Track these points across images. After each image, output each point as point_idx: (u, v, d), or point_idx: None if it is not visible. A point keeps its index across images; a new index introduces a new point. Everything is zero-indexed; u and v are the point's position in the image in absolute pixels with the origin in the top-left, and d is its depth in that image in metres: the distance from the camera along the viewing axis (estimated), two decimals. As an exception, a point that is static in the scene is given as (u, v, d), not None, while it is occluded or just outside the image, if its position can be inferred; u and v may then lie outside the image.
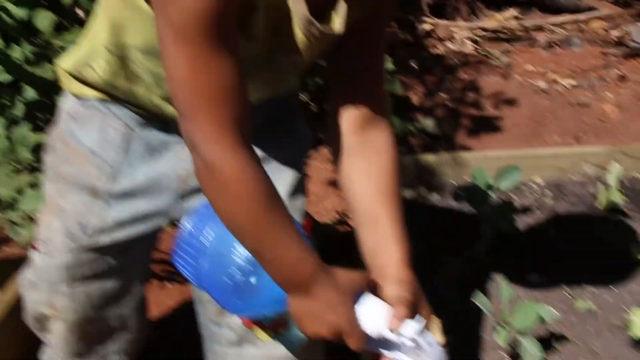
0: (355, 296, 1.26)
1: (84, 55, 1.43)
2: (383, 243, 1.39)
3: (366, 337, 1.27)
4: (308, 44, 1.36)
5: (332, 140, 1.48)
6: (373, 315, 1.26)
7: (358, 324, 1.24)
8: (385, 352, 1.30)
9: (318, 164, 2.94)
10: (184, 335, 2.20)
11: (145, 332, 1.78)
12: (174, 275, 2.39)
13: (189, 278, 1.38)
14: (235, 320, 1.54)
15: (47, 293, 1.47)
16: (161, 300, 2.34)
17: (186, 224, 1.35)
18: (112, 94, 1.42)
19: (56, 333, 1.52)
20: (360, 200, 1.43)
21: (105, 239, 1.44)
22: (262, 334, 1.51)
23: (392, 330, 1.24)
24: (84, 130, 1.48)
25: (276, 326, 1.50)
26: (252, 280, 1.29)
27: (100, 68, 1.39)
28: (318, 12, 1.30)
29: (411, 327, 1.24)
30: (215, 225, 1.29)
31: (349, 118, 1.44)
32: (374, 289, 1.30)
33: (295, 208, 1.59)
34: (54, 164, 1.54)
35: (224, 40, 1.15)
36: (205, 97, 1.16)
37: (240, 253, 1.29)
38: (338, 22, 1.33)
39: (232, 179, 1.15)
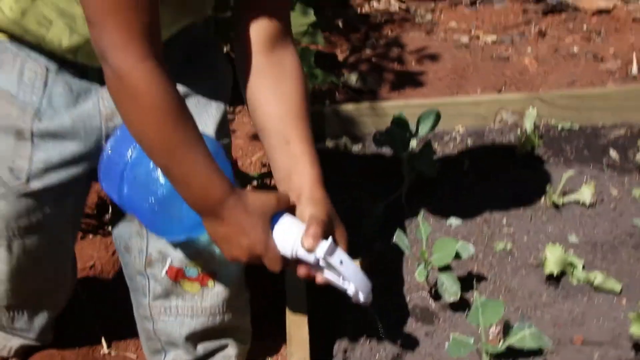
0: (271, 218, 1.31)
1: None
2: (295, 164, 1.43)
3: (284, 258, 1.33)
4: None
5: (240, 61, 1.49)
6: (288, 235, 1.32)
7: (273, 246, 1.30)
8: (304, 269, 1.37)
9: (242, 118, 2.93)
10: (110, 288, 2.19)
11: (73, 286, 1.79)
12: (97, 229, 2.37)
13: (115, 199, 1.44)
14: (162, 272, 1.55)
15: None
16: (86, 253, 2.29)
17: (107, 147, 1.40)
18: (22, 38, 1.40)
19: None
20: (271, 122, 1.46)
21: (37, 184, 1.42)
22: (189, 286, 1.56)
23: (306, 250, 1.30)
24: (0, 73, 1.44)
25: (203, 279, 1.55)
26: (174, 200, 1.32)
27: (7, 7, 1.35)
28: None
29: (322, 247, 1.30)
30: (135, 148, 1.33)
31: (257, 38, 1.45)
32: (291, 209, 1.35)
33: (223, 145, 1.59)
34: None
35: None
36: (114, 2, 1.13)
37: (155, 175, 1.35)
38: None
39: (141, 89, 1.15)
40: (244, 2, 1.50)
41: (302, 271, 1.36)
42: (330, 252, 1.31)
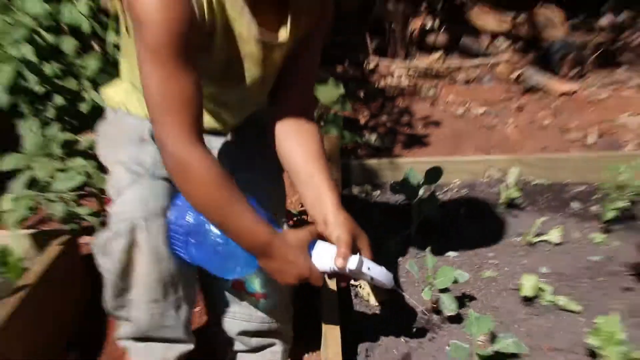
0: (308, 247, 1.38)
1: (114, 84, 1.63)
2: (319, 193, 1.48)
3: (324, 273, 1.41)
4: (262, 56, 1.42)
5: (272, 127, 1.56)
6: (324, 259, 1.39)
7: (315, 268, 1.38)
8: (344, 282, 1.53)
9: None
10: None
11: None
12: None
13: (182, 257, 1.43)
14: (229, 283, 1.59)
15: (128, 233, 1.38)
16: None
17: (169, 216, 1.41)
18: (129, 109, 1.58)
19: (140, 271, 1.43)
20: (299, 164, 1.53)
21: (161, 171, 1.43)
22: (247, 298, 1.59)
23: (339, 268, 1.38)
24: (125, 116, 1.59)
25: (258, 295, 1.58)
26: (231, 244, 1.36)
27: (122, 92, 1.60)
28: (268, 28, 1.39)
29: (352, 262, 1.38)
30: (193, 211, 1.37)
31: (287, 112, 1.54)
32: (321, 235, 1.41)
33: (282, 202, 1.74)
34: (107, 138, 1.62)
35: (186, 60, 1.22)
36: (170, 105, 1.23)
37: (214, 232, 1.38)
38: (284, 33, 1.40)
39: (194, 168, 1.24)
40: (279, 89, 1.59)
41: (343, 284, 1.53)
42: (359, 265, 1.39)
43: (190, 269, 1.53)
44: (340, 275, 1.45)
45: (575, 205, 2.49)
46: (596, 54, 4.31)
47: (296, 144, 1.54)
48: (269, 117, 1.58)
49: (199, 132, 1.28)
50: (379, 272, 1.46)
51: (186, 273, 1.52)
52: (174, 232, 1.40)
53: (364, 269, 1.41)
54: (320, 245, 1.41)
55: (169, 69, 1.21)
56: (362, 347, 1.74)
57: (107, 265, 1.44)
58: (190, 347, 1.64)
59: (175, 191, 1.40)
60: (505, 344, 1.59)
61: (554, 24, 4.58)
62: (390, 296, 1.86)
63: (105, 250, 1.42)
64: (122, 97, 1.64)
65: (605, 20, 4.83)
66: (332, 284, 1.80)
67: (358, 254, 1.41)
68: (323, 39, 1.57)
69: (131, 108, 1.62)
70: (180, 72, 1.22)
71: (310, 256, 1.38)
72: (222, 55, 1.39)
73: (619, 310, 1.83)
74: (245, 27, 1.35)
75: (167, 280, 1.47)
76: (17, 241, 1.90)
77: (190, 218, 1.38)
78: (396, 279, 2.02)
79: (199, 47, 1.31)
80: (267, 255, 1.35)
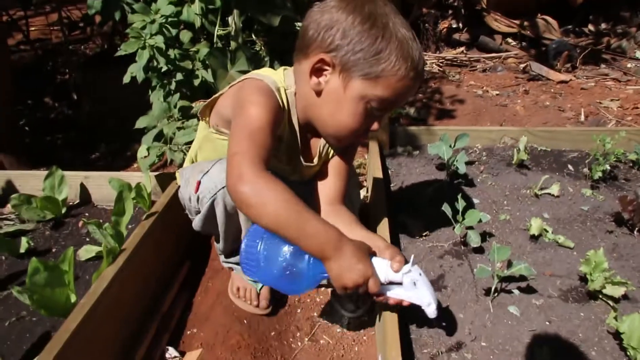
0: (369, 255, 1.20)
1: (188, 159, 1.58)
2: (365, 235, 1.33)
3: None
4: (306, 167, 1.44)
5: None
6: (380, 266, 1.20)
7: (375, 272, 1.17)
8: (390, 293, 1.24)
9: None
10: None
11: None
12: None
13: (256, 279, 1.25)
14: None
15: (212, 195, 1.38)
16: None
17: (243, 243, 1.23)
18: None
19: (221, 213, 1.42)
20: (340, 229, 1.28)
21: None
22: None
23: (394, 270, 1.20)
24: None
25: None
26: (298, 266, 1.19)
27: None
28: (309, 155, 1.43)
29: (407, 266, 1.21)
30: (262, 240, 1.21)
31: (323, 199, 1.47)
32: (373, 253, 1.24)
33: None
34: (193, 173, 1.49)
35: (272, 132, 1.20)
36: (254, 146, 1.16)
37: (285, 251, 1.19)
38: (316, 161, 1.44)
39: (267, 191, 1.09)
40: (320, 182, 1.49)
41: (391, 301, 1.25)
42: (412, 270, 1.22)
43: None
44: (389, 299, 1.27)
45: (570, 167, 2.41)
46: (584, 53, 4.20)
47: (333, 219, 1.29)
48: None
49: (267, 163, 1.17)
50: (427, 284, 1.25)
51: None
52: (246, 257, 1.22)
53: (415, 275, 1.23)
54: (375, 260, 1.21)
55: (260, 127, 1.19)
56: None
57: (202, 215, 1.46)
58: None
59: None
60: (519, 269, 1.55)
61: (551, 29, 4.49)
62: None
63: (201, 205, 1.44)
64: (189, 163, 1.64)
65: (590, 28, 4.76)
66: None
67: (410, 263, 1.23)
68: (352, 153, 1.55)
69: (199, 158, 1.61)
70: (265, 133, 1.19)
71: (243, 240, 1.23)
72: (284, 154, 1.43)
73: (603, 246, 1.81)
74: (297, 145, 1.40)
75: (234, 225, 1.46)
76: (148, 180, 1.91)
77: (261, 245, 1.20)
78: (433, 219, 1.95)
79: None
80: (338, 253, 1.13)
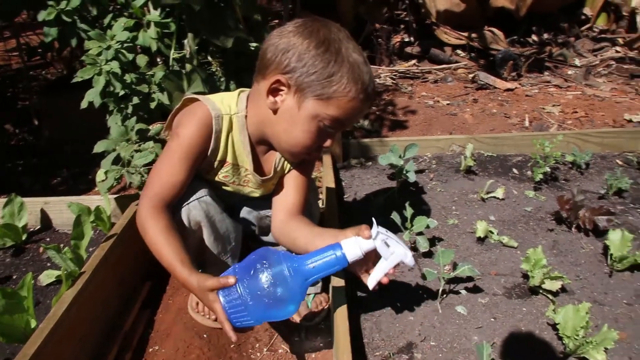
0: (214, 291, 1.15)
1: None
2: (327, 234, 1.35)
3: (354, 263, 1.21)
4: (257, 184, 1.49)
5: (273, 221, 1.52)
6: (352, 245, 1.19)
7: (219, 309, 1.15)
8: (375, 275, 1.27)
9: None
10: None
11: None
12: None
13: (251, 324, 1.16)
14: None
15: (190, 212, 1.38)
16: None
17: (222, 297, 1.15)
18: None
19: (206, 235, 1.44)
20: (299, 233, 1.41)
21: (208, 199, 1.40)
22: None
23: (366, 237, 1.21)
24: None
25: None
26: (279, 292, 1.13)
27: None
28: (264, 167, 1.48)
29: (374, 230, 1.23)
30: (241, 285, 1.14)
31: (282, 211, 1.50)
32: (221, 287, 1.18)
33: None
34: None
35: (187, 167, 1.31)
36: (157, 183, 1.30)
37: (264, 280, 1.13)
38: (271, 175, 1.48)
39: (148, 230, 1.25)
40: (277, 196, 1.53)
41: (384, 280, 1.28)
42: (380, 231, 1.24)
43: (234, 229, 1.52)
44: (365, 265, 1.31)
45: (515, 170, 2.49)
46: (528, 62, 4.33)
47: (300, 230, 1.42)
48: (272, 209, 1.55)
49: (167, 205, 1.30)
50: (397, 240, 1.28)
51: (229, 232, 1.51)
52: (232, 306, 1.14)
53: (386, 237, 1.25)
54: (344, 242, 1.20)
55: (174, 163, 1.30)
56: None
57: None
58: None
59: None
60: (463, 269, 1.60)
61: (498, 40, 4.61)
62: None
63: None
64: None
65: (534, 38, 4.89)
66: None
67: (374, 222, 1.26)
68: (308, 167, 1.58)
69: None
70: (177, 169, 1.30)
71: (219, 298, 1.15)
72: (234, 176, 1.48)
73: (544, 244, 1.88)
74: (248, 164, 1.45)
75: (221, 237, 1.49)
76: (107, 203, 1.91)
77: (240, 288, 1.14)
78: (383, 226, 1.96)
79: (211, 167, 1.43)
80: (187, 288, 1.21)
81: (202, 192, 1.39)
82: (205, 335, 1.57)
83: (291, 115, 1.27)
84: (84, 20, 2.35)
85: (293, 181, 1.52)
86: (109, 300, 1.64)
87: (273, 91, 1.27)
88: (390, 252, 1.25)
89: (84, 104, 2.18)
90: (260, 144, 1.45)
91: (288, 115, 1.28)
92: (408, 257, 1.27)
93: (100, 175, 1.97)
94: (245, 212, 1.67)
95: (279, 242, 1.52)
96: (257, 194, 1.54)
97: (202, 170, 1.43)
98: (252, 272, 1.14)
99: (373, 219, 1.27)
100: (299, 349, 1.56)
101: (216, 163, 1.42)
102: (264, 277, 1.13)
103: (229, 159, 1.42)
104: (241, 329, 1.18)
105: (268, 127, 1.35)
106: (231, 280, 1.14)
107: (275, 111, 1.30)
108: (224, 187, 1.51)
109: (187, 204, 1.36)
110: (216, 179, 1.48)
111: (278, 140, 1.36)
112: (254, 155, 1.44)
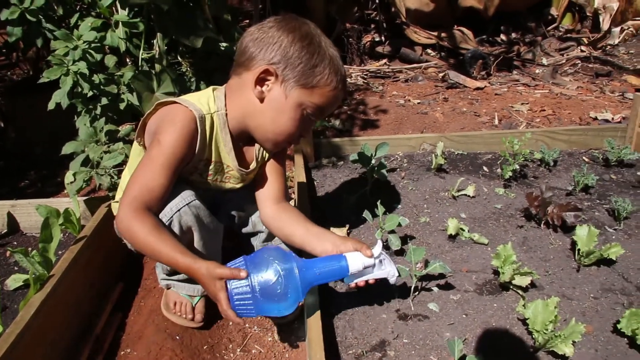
0: (222, 280, 1.20)
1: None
2: (320, 234, 1.46)
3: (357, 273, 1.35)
4: (241, 178, 1.52)
5: (260, 211, 1.58)
6: (356, 258, 1.33)
7: (223, 297, 1.20)
8: (364, 277, 1.38)
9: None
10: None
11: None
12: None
13: (252, 315, 1.24)
14: None
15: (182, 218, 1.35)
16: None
17: (231, 287, 1.20)
18: None
19: (176, 233, 1.39)
20: (295, 228, 1.49)
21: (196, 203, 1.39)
22: None
23: (369, 256, 1.34)
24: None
25: None
26: (285, 289, 1.22)
27: None
28: (245, 161, 1.51)
29: (377, 248, 1.37)
30: (252, 277, 1.20)
31: (269, 199, 1.56)
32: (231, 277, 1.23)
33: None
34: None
35: (170, 173, 1.30)
36: (139, 186, 1.28)
37: (274, 280, 1.21)
38: (254, 164, 1.51)
39: (136, 233, 1.24)
40: (256, 179, 1.59)
41: (371, 281, 1.40)
42: (382, 249, 1.38)
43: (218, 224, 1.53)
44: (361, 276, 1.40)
45: (485, 168, 2.52)
46: (497, 61, 4.40)
47: (288, 219, 1.52)
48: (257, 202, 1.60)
49: (148, 209, 1.27)
50: (390, 261, 1.41)
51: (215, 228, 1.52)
52: (239, 296, 1.20)
53: (384, 256, 1.39)
54: (349, 255, 1.33)
55: (155, 170, 1.29)
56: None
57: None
58: None
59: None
60: (435, 267, 1.62)
61: (467, 39, 4.68)
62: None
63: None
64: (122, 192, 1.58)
65: (502, 37, 4.97)
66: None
67: (378, 242, 1.39)
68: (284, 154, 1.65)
69: None
70: (159, 175, 1.29)
71: (226, 286, 1.20)
72: (217, 174, 1.50)
73: (514, 241, 1.91)
74: (230, 161, 1.47)
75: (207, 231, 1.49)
76: (76, 205, 1.87)
77: (251, 278, 1.20)
78: (356, 225, 2.04)
79: (194, 168, 1.44)
80: (194, 276, 1.24)
81: (190, 197, 1.38)
82: (177, 337, 1.56)
83: (278, 103, 1.35)
84: (50, 19, 2.32)
85: (274, 169, 1.59)
86: (80, 303, 1.61)
87: (260, 81, 1.34)
88: (382, 268, 1.39)
89: (51, 105, 2.15)
90: (241, 138, 1.49)
91: (275, 103, 1.36)
92: (394, 278, 1.41)
93: (69, 177, 1.94)
94: (227, 208, 1.69)
95: (271, 231, 1.58)
96: (237, 187, 1.57)
97: (184, 172, 1.42)
98: (263, 266, 1.22)
99: (379, 239, 1.43)
100: (273, 348, 1.56)
101: (201, 164, 1.44)
102: (275, 273, 1.21)
103: (213, 157, 1.45)
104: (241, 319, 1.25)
105: (252, 118, 1.41)
106: (243, 273, 1.20)
107: (261, 100, 1.36)
108: (203, 185, 1.50)
109: (178, 210, 1.36)
110: (199, 178, 1.48)
111: (264, 129, 1.42)
112: (236, 151, 1.47)
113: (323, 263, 1.31)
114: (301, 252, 1.47)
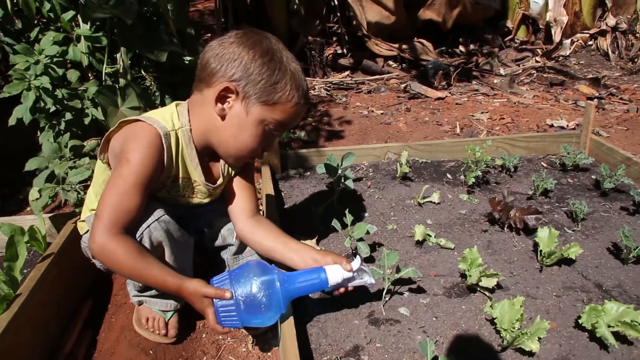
0: (208, 298, 1.28)
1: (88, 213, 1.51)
2: (300, 248, 1.51)
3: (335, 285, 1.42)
4: (208, 192, 1.53)
5: (235, 227, 1.59)
6: (335, 271, 1.40)
7: (210, 313, 1.28)
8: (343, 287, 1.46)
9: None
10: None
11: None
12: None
13: (236, 326, 1.30)
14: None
15: (152, 234, 1.36)
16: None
17: (216, 302, 1.28)
18: None
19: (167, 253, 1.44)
20: (274, 243, 1.53)
21: (166, 218, 1.40)
22: None
23: (348, 270, 1.42)
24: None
25: None
26: (268, 301, 1.29)
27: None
28: (211, 176, 1.52)
29: (356, 262, 1.44)
30: (236, 290, 1.27)
31: (242, 214, 1.58)
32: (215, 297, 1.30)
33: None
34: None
35: (141, 191, 1.29)
36: (112, 209, 1.27)
37: (257, 293, 1.28)
38: (221, 179, 1.52)
39: (114, 251, 1.25)
40: (225, 194, 1.60)
41: (341, 291, 1.48)
42: (361, 263, 1.45)
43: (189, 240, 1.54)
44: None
45: (448, 175, 2.58)
46: (457, 71, 4.50)
47: (264, 232, 1.54)
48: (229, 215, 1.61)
49: (126, 230, 1.28)
50: (369, 271, 1.49)
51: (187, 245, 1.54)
52: (224, 310, 1.27)
53: (363, 267, 1.46)
54: (328, 267, 1.40)
55: (127, 190, 1.27)
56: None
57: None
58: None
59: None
60: (407, 272, 1.65)
61: (427, 51, 4.78)
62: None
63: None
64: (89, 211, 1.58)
65: (461, 49, 5.10)
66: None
67: (357, 257, 1.47)
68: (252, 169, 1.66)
69: None
70: (133, 195, 1.28)
71: (213, 304, 1.28)
72: (185, 190, 1.51)
73: (479, 244, 1.96)
74: (197, 177, 1.48)
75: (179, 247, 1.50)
76: (42, 222, 1.85)
77: (235, 291, 1.28)
78: (325, 234, 2.06)
79: (162, 185, 1.45)
80: (182, 295, 1.31)
81: (159, 212, 1.39)
82: (151, 352, 1.55)
83: (239, 120, 1.35)
84: (8, 33, 2.28)
85: (243, 185, 1.59)
86: (48, 322, 1.59)
87: (221, 98, 1.33)
88: (359, 278, 1.46)
89: (12, 121, 2.11)
90: (206, 153, 1.48)
91: (236, 120, 1.35)
92: (371, 286, 1.54)
93: (33, 193, 1.90)
94: (197, 223, 1.69)
95: (249, 245, 1.60)
96: (205, 201, 1.57)
97: (152, 189, 1.42)
98: (247, 280, 1.28)
99: (359, 256, 1.49)
100: (247, 359, 1.56)
101: (168, 180, 1.44)
102: (258, 286, 1.27)
103: (181, 173, 1.44)
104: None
105: (214, 134, 1.40)
106: (227, 294, 1.26)
107: (223, 117, 1.36)
108: (171, 201, 1.50)
109: (148, 226, 1.36)
110: (167, 194, 1.48)
111: (226, 146, 1.41)
112: (202, 166, 1.47)
113: (304, 277, 1.38)
114: (281, 264, 1.51)
